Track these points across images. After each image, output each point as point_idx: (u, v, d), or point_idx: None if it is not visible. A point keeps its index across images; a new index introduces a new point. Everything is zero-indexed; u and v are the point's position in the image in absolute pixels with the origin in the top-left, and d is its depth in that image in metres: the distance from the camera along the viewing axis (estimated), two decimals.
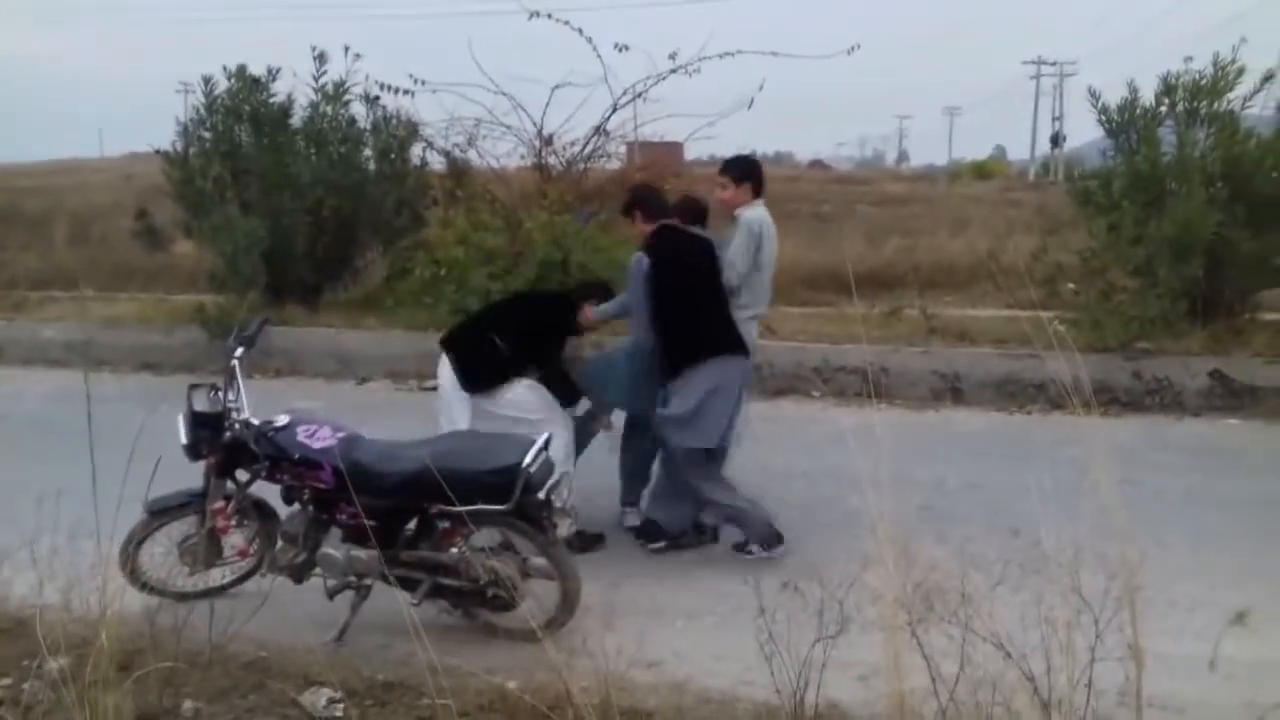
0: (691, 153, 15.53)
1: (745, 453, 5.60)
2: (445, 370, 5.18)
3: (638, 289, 5.10)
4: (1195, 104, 8.29)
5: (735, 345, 5.03)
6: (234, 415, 4.04)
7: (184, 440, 4.00)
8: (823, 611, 2.77)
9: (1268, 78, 8.55)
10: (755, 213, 5.27)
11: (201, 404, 4.04)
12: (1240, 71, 8.21)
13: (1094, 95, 8.77)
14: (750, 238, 5.17)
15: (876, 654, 2.63)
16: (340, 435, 3.98)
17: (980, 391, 8.10)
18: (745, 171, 5.37)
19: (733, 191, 5.31)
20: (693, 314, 5.01)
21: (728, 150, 8.44)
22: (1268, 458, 6.60)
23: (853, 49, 11.01)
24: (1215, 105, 8.27)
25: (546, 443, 3.87)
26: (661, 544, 5.03)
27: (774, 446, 6.99)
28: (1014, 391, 7.97)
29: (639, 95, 10.40)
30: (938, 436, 7.27)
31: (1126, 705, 2.45)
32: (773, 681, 2.80)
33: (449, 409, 5.03)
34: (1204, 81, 8.26)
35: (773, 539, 4.84)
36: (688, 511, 5.10)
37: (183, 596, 4.07)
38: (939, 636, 2.56)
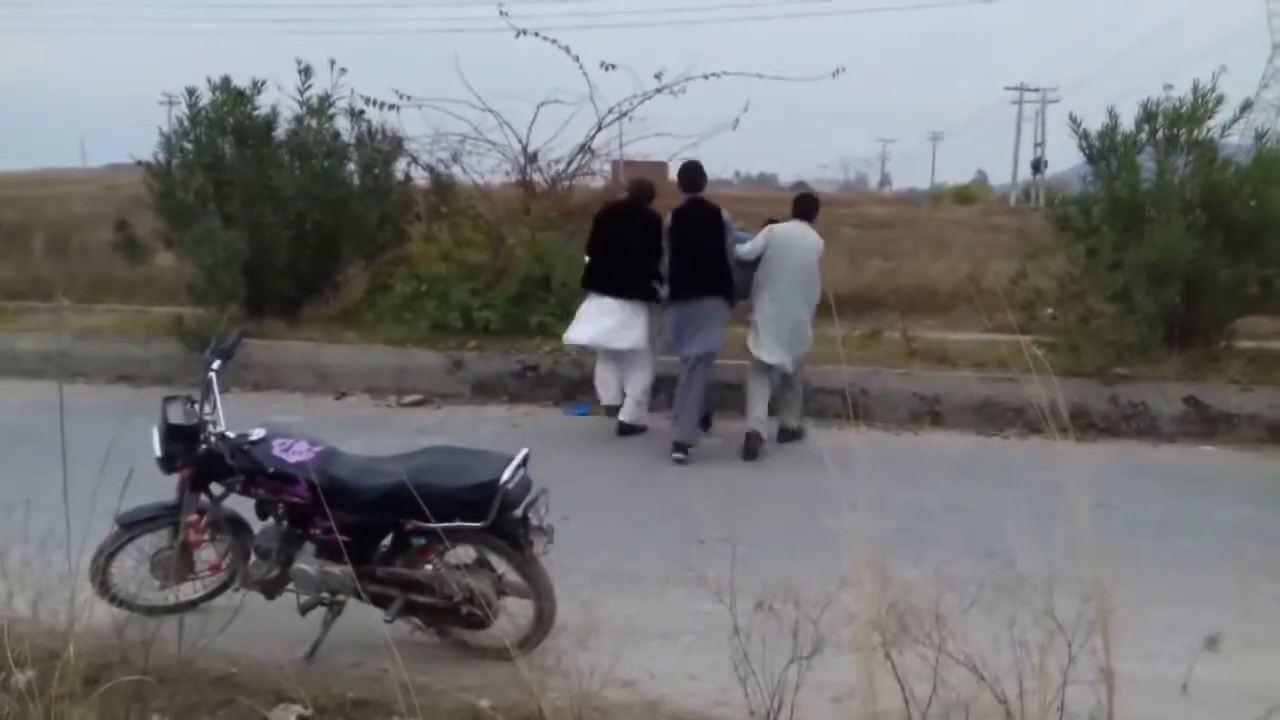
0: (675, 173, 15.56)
1: (720, 474, 5.63)
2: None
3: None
4: (1175, 131, 8.37)
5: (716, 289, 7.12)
6: (209, 428, 4.00)
7: (158, 453, 3.96)
8: (797, 632, 2.76)
9: (1246, 106, 8.66)
10: (783, 227, 7.35)
11: (177, 416, 4.00)
12: (1219, 100, 8.30)
13: (1075, 121, 8.85)
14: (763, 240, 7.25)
15: (851, 675, 2.63)
16: (316, 450, 3.95)
17: (959, 414, 8.13)
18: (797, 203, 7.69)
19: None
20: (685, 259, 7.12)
21: (711, 171, 8.56)
22: (1241, 485, 6.64)
23: (836, 72, 11.15)
24: (1194, 133, 8.35)
25: (524, 460, 3.86)
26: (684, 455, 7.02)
27: (752, 466, 7.01)
28: (993, 415, 8.00)
29: (624, 114, 10.49)
30: (917, 458, 7.29)
31: None
32: (747, 702, 2.79)
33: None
34: (1184, 109, 8.34)
35: (681, 448, 7.03)
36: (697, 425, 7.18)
37: (153, 610, 4.02)
38: (913, 658, 2.56)
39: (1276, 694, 2.59)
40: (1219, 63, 8.60)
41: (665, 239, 7.26)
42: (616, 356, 7.69)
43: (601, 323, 7.45)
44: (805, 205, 7.61)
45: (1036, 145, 59.62)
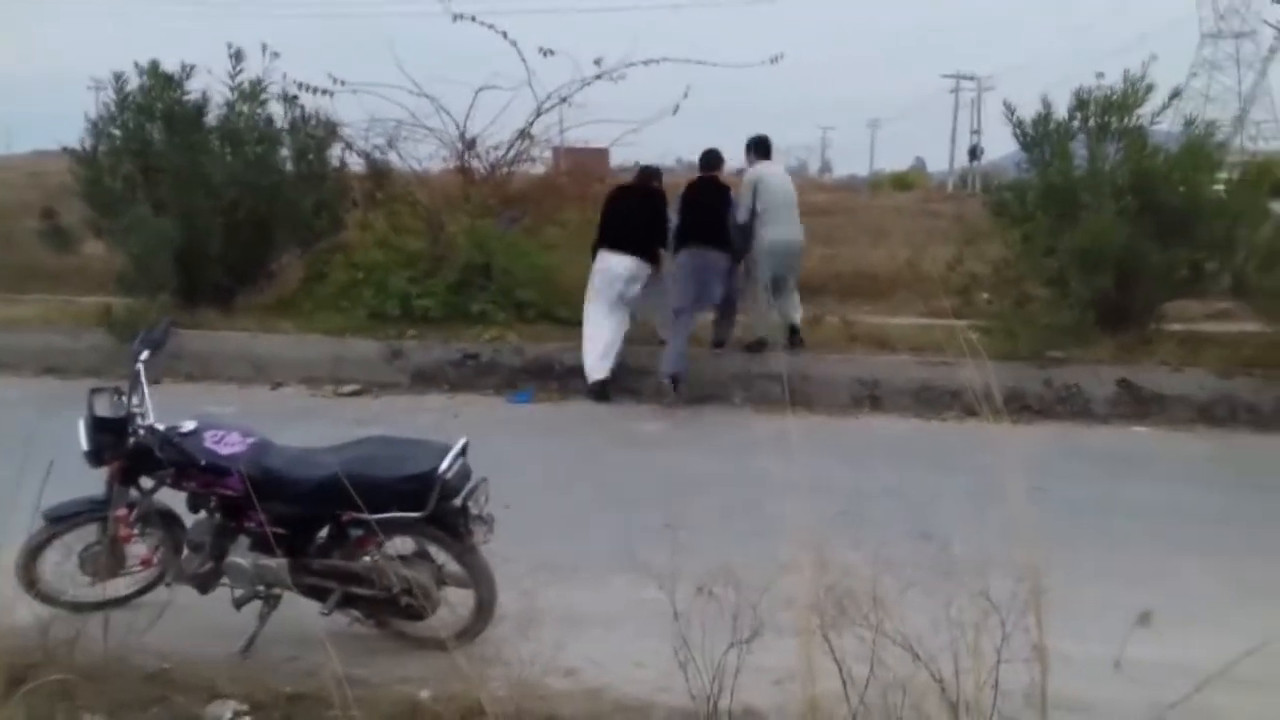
0: (618, 159, 15.57)
1: (663, 461, 5.63)
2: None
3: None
4: (1106, 119, 8.52)
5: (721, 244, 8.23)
6: (138, 420, 3.91)
7: (85, 446, 3.86)
8: (737, 617, 2.76)
9: (1175, 94, 8.84)
10: (755, 169, 8.53)
11: (104, 409, 3.91)
12: (1149, 88, 8.47)
13: (1010, 109, 8.97)
14: (747, 185, 8.40)
15: (791, 658, 2.63)
16: (250, 441, 3.88)
17: (898, 398, 8.22)
18: (751, 146, 8.77)
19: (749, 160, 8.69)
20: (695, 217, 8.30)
21: (653, 158, 8.89)
22: (1172, 465, 6.80)
23: (775, 59, 11.19)
24: (1125, 120, 8.51)
25: (463, 449, 3.82)
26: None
27: (694, 452, 7.03)
28: (931, 399, 8.10)
29: (564, 100, 10.43)
30: (857, 443, 7.36)
31: (1033, 706, 2.49)
32: (688, 687, 2.79)
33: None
34: (1115, 97, 8.49)
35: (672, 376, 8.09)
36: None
37: (79, 607, 3.93)
38: (852, 640, 2.58)
39: (1206, 669, 2.64)
40: (1150, 52, 8.79)
41: (678, 206, 8.46)
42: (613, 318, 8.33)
43: (614, 287, 8.29)
44: (765, 147, 8.86)
45: (973, 133, 60.54)
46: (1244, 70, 73.65)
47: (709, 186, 8.57)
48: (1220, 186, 8.75)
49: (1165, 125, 8.79)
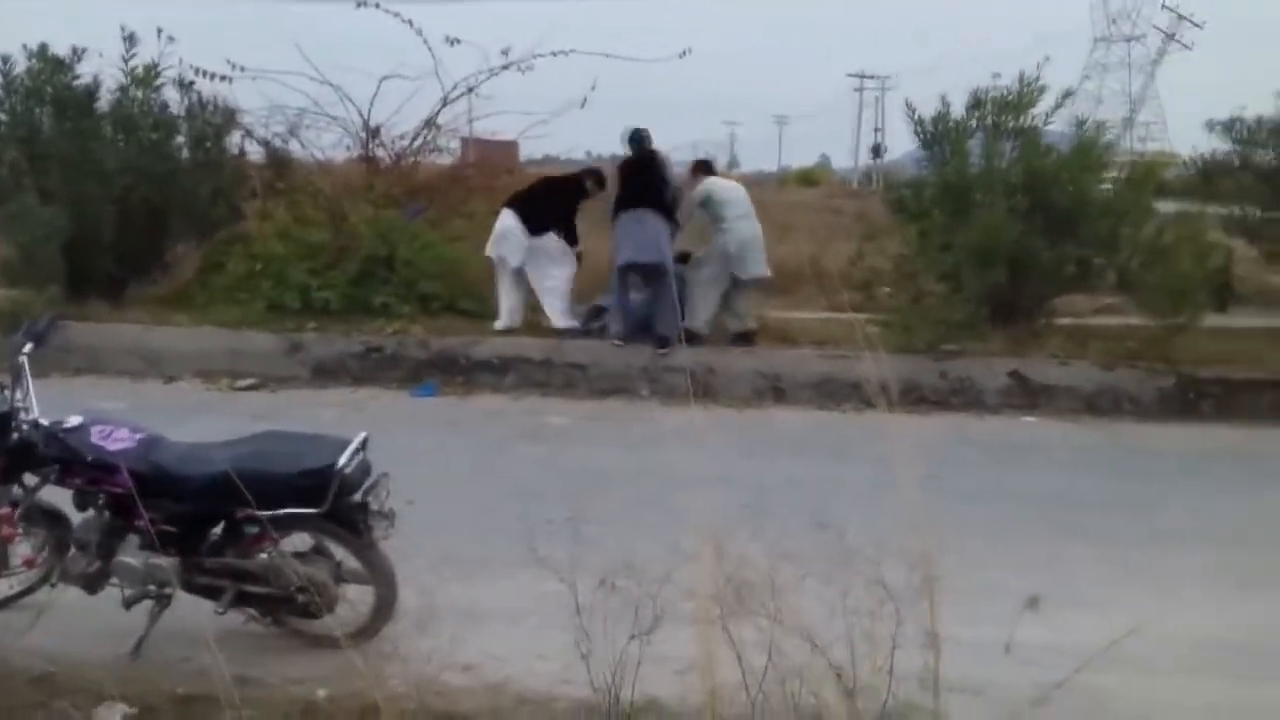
0: (528, 152, 15.49)
1: (569, 454, 5.62)
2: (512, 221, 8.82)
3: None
4: (1001, 119, 8.76)
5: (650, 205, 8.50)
6: (21, 415, 3.76)
7: None
8: (638, 608, 2.78)
9: (1066, 95, 9.14)
10: (704, 185, 8.94)
11: None
12: (1042, 89, 8.73)
13: (910, 108, 9.16)
14: (695, 199, 8.88)
15: (692, 648, 2.66)
16: (139, 437, 3.76)
17: (800, 391, 8.34)
18: (698, 166, 9.37)
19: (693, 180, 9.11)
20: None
21: (563, 150, 8.99)
22: (1060, 453, 7.03)
23: (683, 53, 11.28)
24: (1019, 120, 8.75)
25: (363, 443, 3.76)
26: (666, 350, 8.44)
27: (601, 445, 7.03)
28: (832, 391, 8.23)
29: (471, 90, 10.34)
30: (760, 434, 7.46)
31: (927, 689, 2.55)
32: (589, 679, 2.80)
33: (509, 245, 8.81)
34: (1009, 98, 8.73)
35: (620, 336, 8.69)
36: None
37: None
38: (751, 630, 2.61)
39: (1090, 650, 2.74)
40: (1044, 54, 9.04)
41: (616, 181, 9.02)
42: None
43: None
44: (710, 166, 9.56)
45: (876, 131, 61.93)
46: (1134, 73, 76.51)
47: (645, 161, 8.89)
48: (1107, 186, 9.06)
49: (1058, 125, 9.08)
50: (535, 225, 8.85)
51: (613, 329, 8.80)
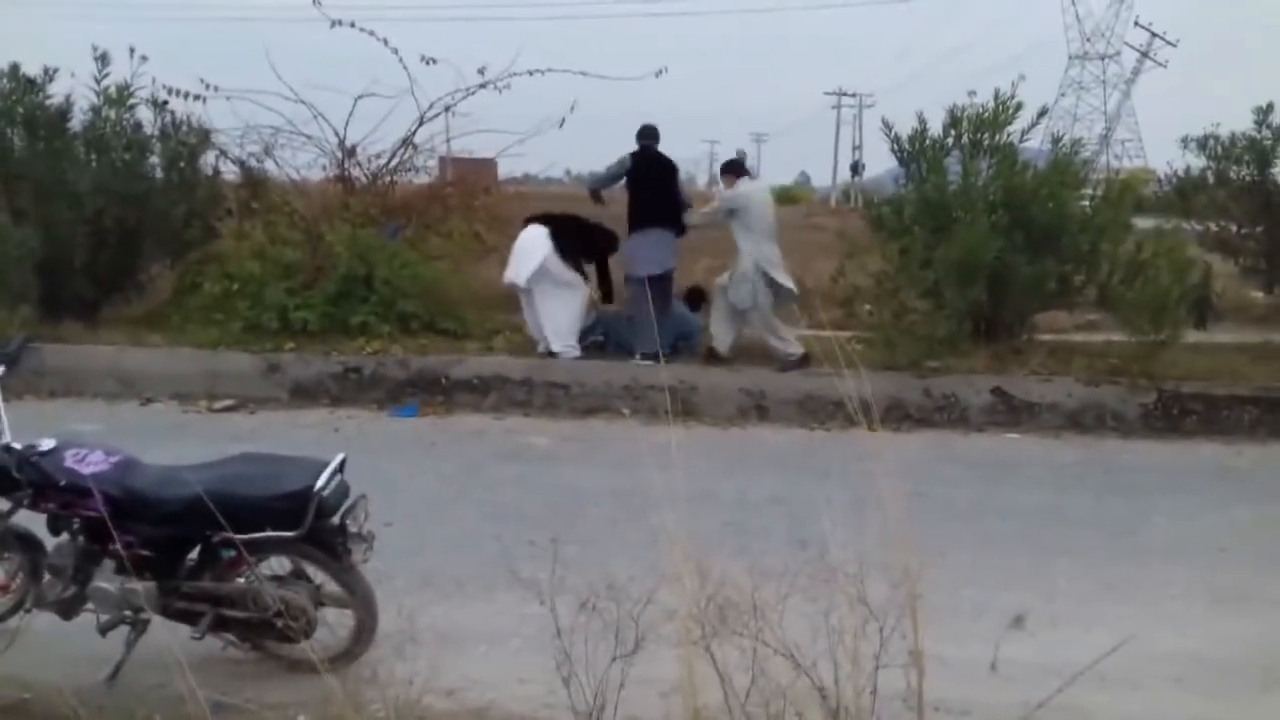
0: (506, 170, 15.47)
1: (550, 474, 5.56)
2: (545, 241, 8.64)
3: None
4: (979, 136, 8.78)
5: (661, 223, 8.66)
6: None
7: None
8: (620, 630, 2.74)
9: (1043, 113, 9.19)
10: (732, 190, 8.81)
11: None
12: (1019, 107, 8.76)
13: (888, 126, 9.18)
14: (723, 203, 8.80)
15: (675, 670, 2.62)
16: (113, 460, 3.70)
17: (783, 409, 8.33)
18: (727, 167, 9.18)
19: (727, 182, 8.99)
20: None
21: (541, 169, 9.01)
22: (1044, 469, 7.04)
23: (660, 72, 11.29)
24: (996, 137, 8.78)
25: (341, 465, 3.71)
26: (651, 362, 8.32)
27: (582, 465, 7.00)
28: (815, 408, 8.22)
29: (448, 108, 10.31)
30: (744, 453, 7.44)
31: (911, 709, 2.53)
32: (571, 703, 2.76)
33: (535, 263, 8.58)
34: (986, 115, 8.76)
35: (651, 355, 8.35)
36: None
37: None
38: (733, 650, 2.58)
39: (1075, 667, 2.72)
40: (1020, 72, 9.10)
41: (625, 181, 8.92)
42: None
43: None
44: (741, 166, 9.20)
45: (855, 148, 62.15)
46: (1109, 91, 77.42)
47: (655, 168, 8.89)
48: (1085, 202, 9.11)
49: (1034, 143, 9.12)
50: (565, 254, 8.76)
51: (639, 347, 8.63)
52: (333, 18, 10.16)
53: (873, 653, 2.47)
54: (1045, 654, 3.73)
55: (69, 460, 3.66)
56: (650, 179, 8.80)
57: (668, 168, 8.99)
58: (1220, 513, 6.00)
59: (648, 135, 9.01)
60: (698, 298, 9.48)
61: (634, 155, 8.91)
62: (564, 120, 10.39)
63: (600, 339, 9.19)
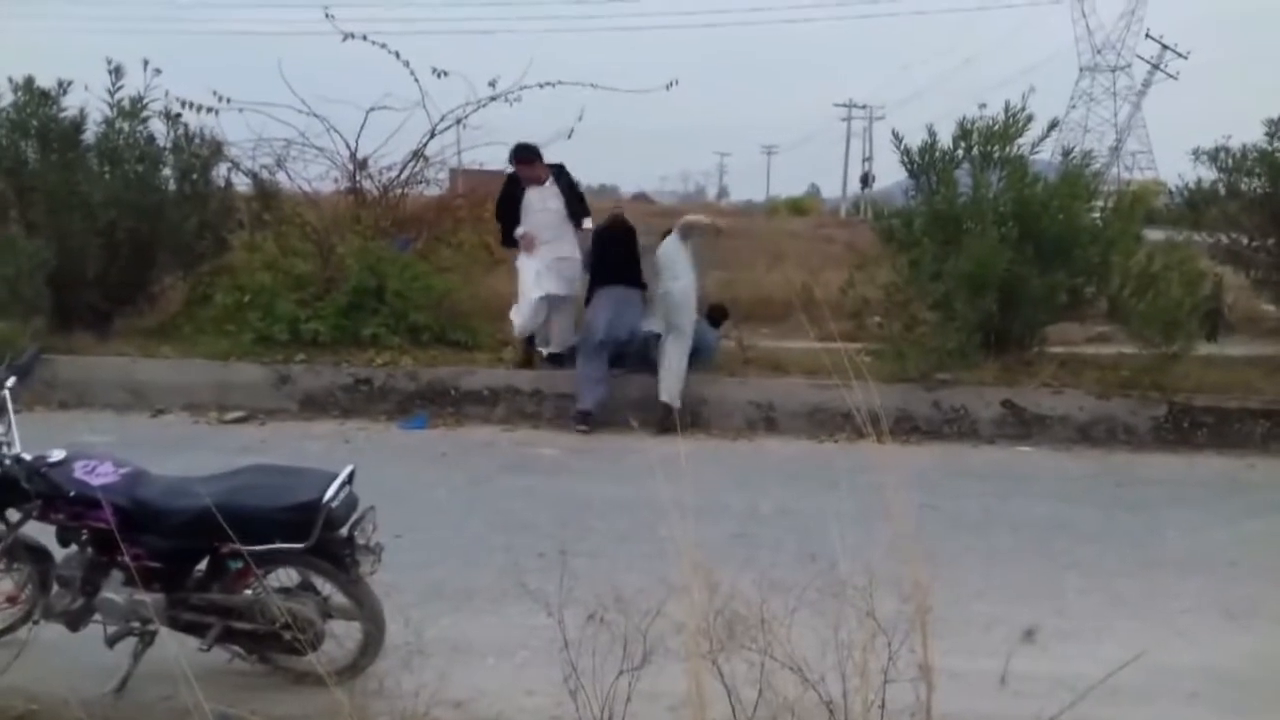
0: None
1: (559, 486, 5.56)
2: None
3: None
4: (989, 148, 8.77)
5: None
6: (3, 450, 3.71)
7: None
8: (628, 643, 2.73)
9: (1053, 125, 9.19)
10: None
11: None
12: (1029, 119, 8.75)
13: (897, 138, 9.19)
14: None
15: (682, 683, 2.61)
16: (123, 471, 3.72)
17: (792, 420, 8.31)
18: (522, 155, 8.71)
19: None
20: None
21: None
22: (1054, 482, 7.00)
23: (671, 84, 11.28)
24: (1006, 150, 8.76)
25: (350, 476, 3.71)
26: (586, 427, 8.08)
27: (591, 477, 6.99)
28: (823, 420, 8.21)
29: (459, 121, 10.33)
30: (752, 464, 7.42)
31: None
32: (577, 716, 2.75)
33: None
34: (996, 127, 8.75)
35: (580, 418, 8.13)
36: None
37: None
38: (741, 664, 2.57)
39: (1086, 681, 2.70)
40: (1030, 85, 9.09)
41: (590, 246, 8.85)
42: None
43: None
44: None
45: (865, 160, 62.28)
46: (1120, 103, 77.35)
47: (620, 233, 8.84)
48: (1096, 215, 9.09)
49: (1045, 155, 9.12)
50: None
51: (581, 404, 8.21)
52: (345, 31, 10.19)
53: (881, 667, 2.45)
54: (1056, 668, 3.71)
55: (78, 471, 3.67)
56: (612, 245, 8.75)
57: (630, 236, 8.87)
58: (1232, 526, 5.95)
59: (614, 218, 9.11)
60: (720, 315, 9.34)
61: (598, 232, 8.88)
62: (572, 132, 10.41)
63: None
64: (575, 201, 8.89)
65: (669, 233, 8.67)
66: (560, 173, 8.89)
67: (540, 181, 8.75)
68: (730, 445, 7.93)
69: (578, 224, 8.92)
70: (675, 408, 7.93)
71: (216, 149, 10.20)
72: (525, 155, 8.72)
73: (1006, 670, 3.16)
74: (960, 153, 8.87)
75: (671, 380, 8.15)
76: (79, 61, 10.13)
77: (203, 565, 3.73)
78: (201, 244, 10.13)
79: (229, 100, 9.82)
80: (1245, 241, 10.49)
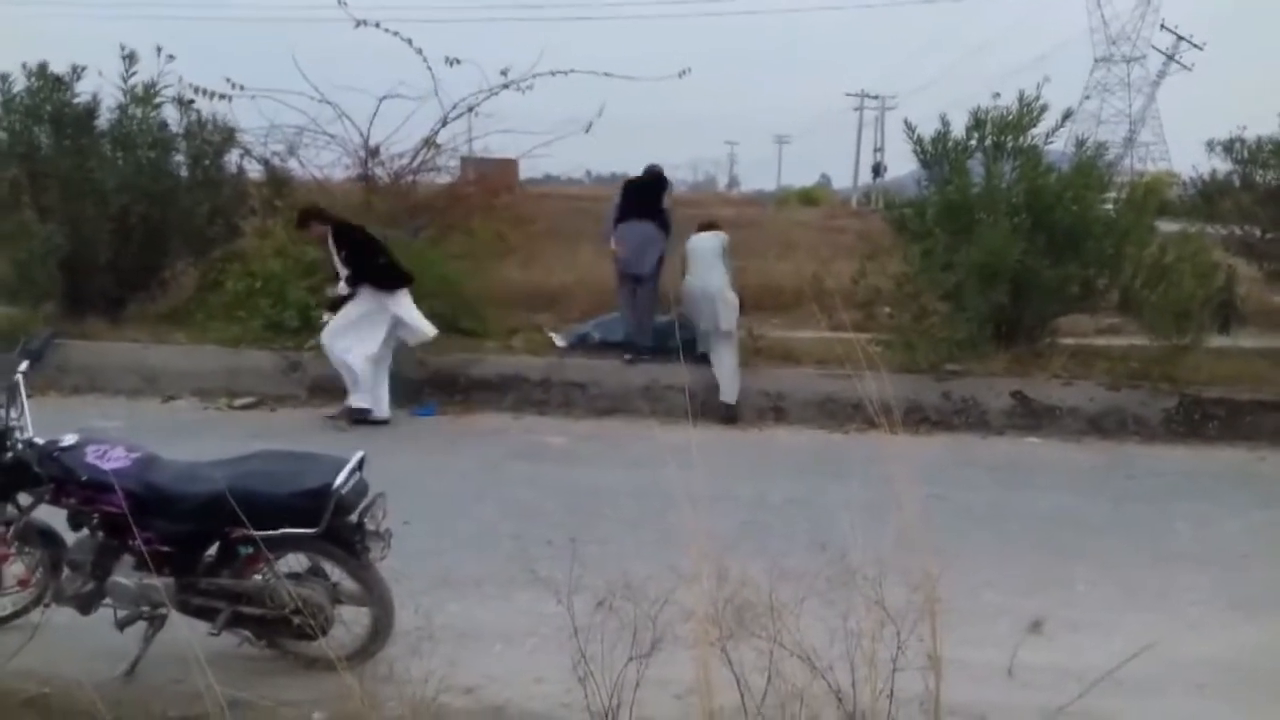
0: (527, 171, 15.48)
1: (568, 473, 5.54)
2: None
3: None
4: (1002, 138, 8.73)
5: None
6: (16, 434, 3.74)
7: None
8: (637, 630, 2.74)
9: (1067, 115, 9.12)
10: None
11: None
12: (1043, 109, 8.70)
13: (910, 128, 9.15)
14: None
15: (692, 671, 2.62)
16: (134, 456, 3.73)
17: (802, 410, 8.30)
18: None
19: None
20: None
21: (563, 170, 8.91)
22: (1064, 474, 6.99)
23: (683, 73, 11.25)
24: (1020, 140, 8.72)
25: (360, 463, 3.72)
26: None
27: (600, 465, 7.00)
28: (834, 410, 8.20)
29: (471, 109, 10.31)
30: (762, 454, 7.42)
31: (928, 713, 2.51)
32: (586, 703, 2.76)
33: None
34: (1010, 117, 8.70)
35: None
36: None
37: None
38: (750, 652, 2.57)
39: (1095, 673, 2.70)
40: (1044, 74, 9.03)
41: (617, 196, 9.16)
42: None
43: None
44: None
45: (876, 150, 62.06)
46: (1134, 94, 76.83)
47: (645, 181, 9.25)
48: (1109, 206, 9.04)
49: (1059, 145, 9.06)
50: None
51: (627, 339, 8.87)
52: (358, 18, 10.18)
53: (890, 656, 2.45)
54: (1064, 659, 3.71)
55: (90, 456, 3.69)
56: (638, 191, 9.09)
57: (658, 184, 9.23)
58: (1242, 518, 5.94)
59: (649, 171, 9.39)
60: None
61: (627, 181, 9.35)
62: (590, 126, 10.40)
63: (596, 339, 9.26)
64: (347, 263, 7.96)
65: (707, 226, 8.93)
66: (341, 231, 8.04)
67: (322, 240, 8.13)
68: (740, 434, 7.93)
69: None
70: (733, 404, 8.23)
71: (229, 135, 10.25)
72: (302, 220, 8.18)
73: (1014, 661, 3.16)
74: (973, 143, 8.83)
75: (729, 382, 8.28)
76: (92, 48, 10.12)
77: (213, 550, 3.75)
78: (213, 230, 10.19)
79: (242, 87, 9.82)
80: (1259, 233, 10.45)
